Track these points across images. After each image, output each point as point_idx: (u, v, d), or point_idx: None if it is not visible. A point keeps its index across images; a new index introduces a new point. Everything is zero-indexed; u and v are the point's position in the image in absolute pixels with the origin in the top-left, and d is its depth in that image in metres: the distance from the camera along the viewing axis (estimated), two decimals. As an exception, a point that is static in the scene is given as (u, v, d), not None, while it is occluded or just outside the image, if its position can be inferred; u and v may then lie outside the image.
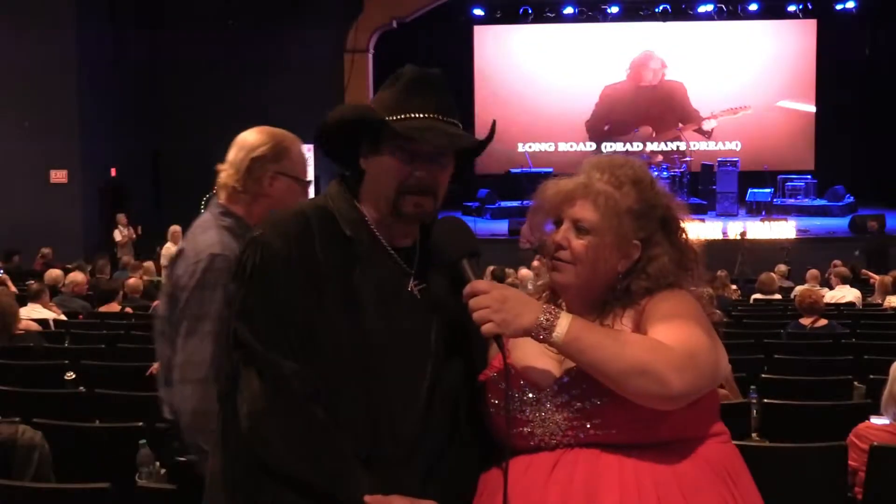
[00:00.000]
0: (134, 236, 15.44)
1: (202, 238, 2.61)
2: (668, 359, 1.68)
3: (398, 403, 1.81)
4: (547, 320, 1.71)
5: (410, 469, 1.80)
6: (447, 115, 1.86)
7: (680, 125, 19.59)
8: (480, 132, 1.97)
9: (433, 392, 1.84)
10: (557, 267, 1.87)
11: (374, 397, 1.79)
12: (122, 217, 15.46)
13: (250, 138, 2.70)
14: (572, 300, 1.91)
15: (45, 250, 14.04)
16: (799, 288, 9.70)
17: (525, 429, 1.81)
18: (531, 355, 1.84)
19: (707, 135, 19.58)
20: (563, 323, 1.71)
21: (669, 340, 1.72)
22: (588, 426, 1.75)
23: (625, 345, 1.71)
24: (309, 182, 2.81)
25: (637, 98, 20.20)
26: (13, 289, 10.24)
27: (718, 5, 19.35)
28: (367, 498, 1.71)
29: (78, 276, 9.69)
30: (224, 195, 2.69)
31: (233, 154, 2.70)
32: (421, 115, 1.83)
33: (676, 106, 20.10)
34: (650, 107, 20.09)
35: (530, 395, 1.82)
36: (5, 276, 11.30)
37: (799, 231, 16.73)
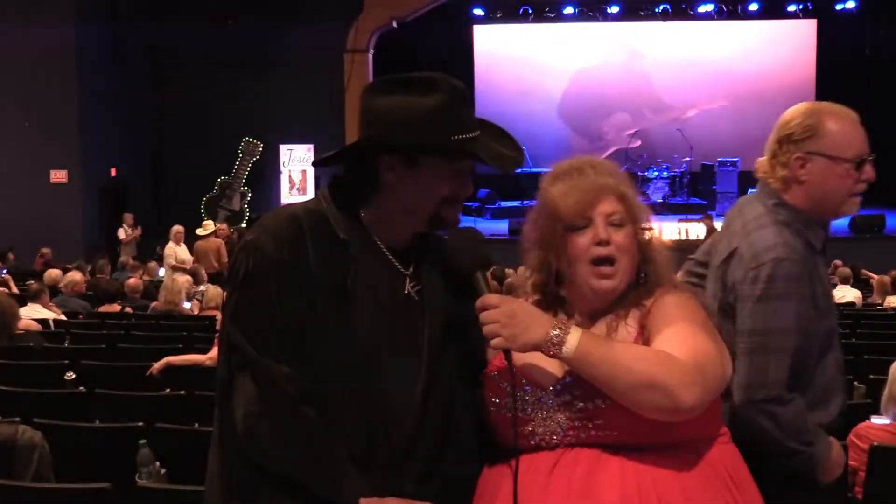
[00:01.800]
0: (138, 235, 15.44)
1: (758, 237, 2.27)
2: (678, 373, 1.68)
3: (393, 405, 1.81)
4: (557, 335, 1.71)
5: (406, 471, 1.80)
6: (478, 126, 1.88)
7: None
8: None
9: (429, 393, 1.84)
10: (605, 273, 1.85)
11: (369, 399, 1.79)
12: (128, 217, 15.48)
13: (785, 115, 2.38)
14: (589, 305, 1.90)
15: (45, 250, 14.04)
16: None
17: (526, 428, 1.81)
18: (534, 354, 1.84)
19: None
20: (573, 338, 1.71)
21: (678, 351, 1.72)
22: (590, 426, 1.75)
23: (634, 359, 1.71)
24: (853, 161, 2.37)
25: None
26: (15, 289, 10.24)
27: (718, 5, 19.33)
28: (361, 500, 1.71)
29: (75, 276, 9.69)
30: (777, 183, 2.33)
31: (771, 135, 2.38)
32: (474, 135, 1.84)
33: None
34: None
35: (532, 395, 1.82)
36: (8, 277, 11.30)
37: (799, 231, 16.68)
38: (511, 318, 1.73)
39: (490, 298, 1.77)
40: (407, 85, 1.83)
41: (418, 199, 1.84)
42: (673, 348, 1.73)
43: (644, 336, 1.82)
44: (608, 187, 1.87)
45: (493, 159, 1.83)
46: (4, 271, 11.98)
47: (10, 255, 13.62)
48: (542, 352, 1.73)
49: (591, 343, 1.72)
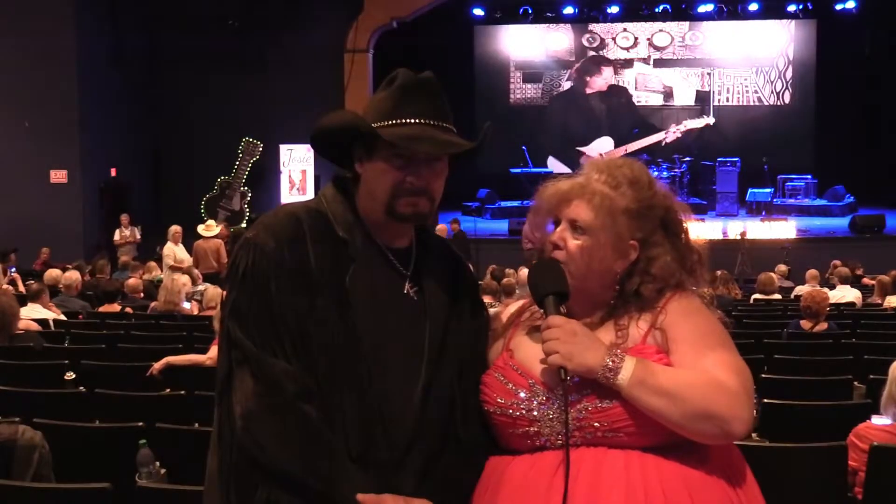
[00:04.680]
0: (137, 238, 15.40)
1: None
2: (730, 403, 1.72)
3: (392, 404, 1.81)
4: (613, 362, 1.74)
5: (405, 469, 1.81)
6: (439, 119, 1.87)
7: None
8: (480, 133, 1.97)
9: (428, 393, 1.85)
10: None
11: (368, 397, 1.80)
12: (123, 218, 15.46)
13: None
14: (570, 300, 1.92)
15: (43, 250, 14.06)
16: (804, 289, 9.68)
17: (531, 428, 1.82)
18: (538, 355, 1.84)
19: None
20: (628, 366, 1.73)
21: (722, 374, 1.74)
22: (595, 427, 1.76)
23: (686, 388, 1.73)
24: None
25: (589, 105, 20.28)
26: (22, 289, 10.24)
27: (718, 5, 19.33)
28: (359, 496, 1.72)
29: (72, 276, 9.68)
30: None
31: None
32: (412, 121, 1.84)
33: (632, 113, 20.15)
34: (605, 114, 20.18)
35: (539, 395, 1.83)
36: (17, 276, 11.31)
37: (799, 231, 16.72)
38: (572, 336, 1.76)
39: (555, 319, 1.80)
40: (386, 81, 1.91)
41: (374, 190, 1.87)
42: (716, 370, 1.75)
43: (655, 335, 1.83)
44: (584, 192, 1.87)
45: (398, 139, 1.81)
46: (13, 269, 11.99)
47: (12, 257, 13.63)
48: (598, 377, 1.75)
49: (645, 372, 1.74)
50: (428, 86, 1.88)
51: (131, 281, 10.29)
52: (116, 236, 15.30)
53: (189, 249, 13.14)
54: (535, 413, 1.81)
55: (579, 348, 1.75)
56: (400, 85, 1.87)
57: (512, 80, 20.69)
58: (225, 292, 1.89)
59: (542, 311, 1.88)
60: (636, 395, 1.72)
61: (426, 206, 1.87)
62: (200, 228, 14.16)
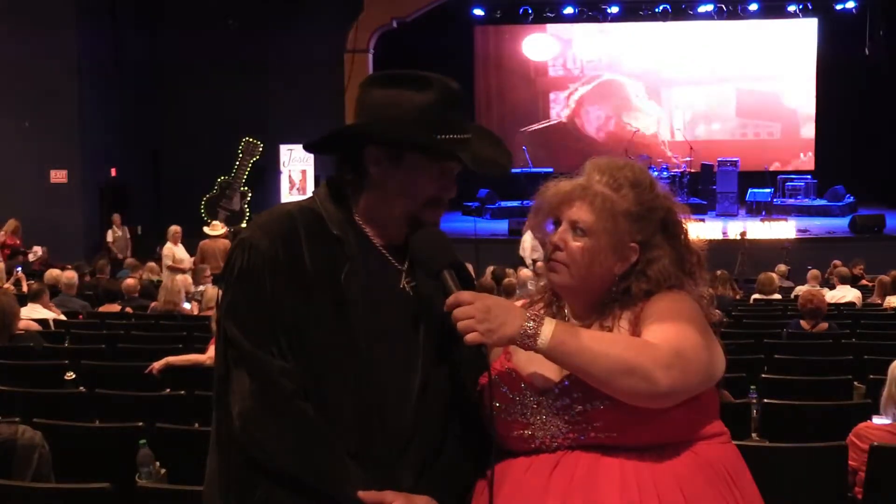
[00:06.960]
0: (127, 238, 15.41)
1: None
2: (654, 356, 1.69)
3: (389, 400, 1.82)
4: (531, 328, 1.72)
5: (404, 465, 1.81)
6: (473, 129, 1.88)
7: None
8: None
9: (426, 388, 1.85)
10: (554, 268, 1.88)
11: (366, 394, 1.80)
12: (116, 217, 15.48)
13: None
14: (571, 301, 1.92)
15: (38, 249, 14.07)
16: (802, 289, 9.68)
17: (526, 431, 1.82)
18: (533, 358, 1.84)
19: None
20: (547, 329, 1.72)
21: (658, 339, 1.72)
22: (589, 429, 1.76)
23: (610, 345, 1.72)
24: None
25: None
26: (25, 288, 10.24)
27: (718, 5, 19.31)
28: (360, 494, 1.72)
29: (73, 276, 9.68)
30: None
31: None
32: (461, 137, 1.83)
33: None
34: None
35: (531, 398, 1.83)
36: (21, 275, 11.31)
37: (799, 231, 16.71)
38: (487, 312, 1.72)
39: (463, 295, 1.76)
40: (402, 81, 1.85)
41: (400, 198, 1.85)
42: (654, 337, 1.74)
43: (635, 334, 1.81)
44: (585, 194, 1.86)
45: (475, 162, 1.81)
46: (19, 269, 11.99)
47: (21, 258, 13.65)
48: (518, 345, 1.74)
49: (566, 333, 1.72)
50: (460, 93, 1.87)
51: (129, 281, 10.29)
52: (109, 237, 15.35)
53: (189, 250, 13.14)
54: (529, 417, 1.81)
55: (497, 323, 1.72)
56: (440, 93, 1.82)
57: (512, 81, 20.68)
58: (221, 291, 1.90)
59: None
60: (557, 355, 1.71)
61: (441, 215, 1.91)
62: (207, 229, 14.17)
